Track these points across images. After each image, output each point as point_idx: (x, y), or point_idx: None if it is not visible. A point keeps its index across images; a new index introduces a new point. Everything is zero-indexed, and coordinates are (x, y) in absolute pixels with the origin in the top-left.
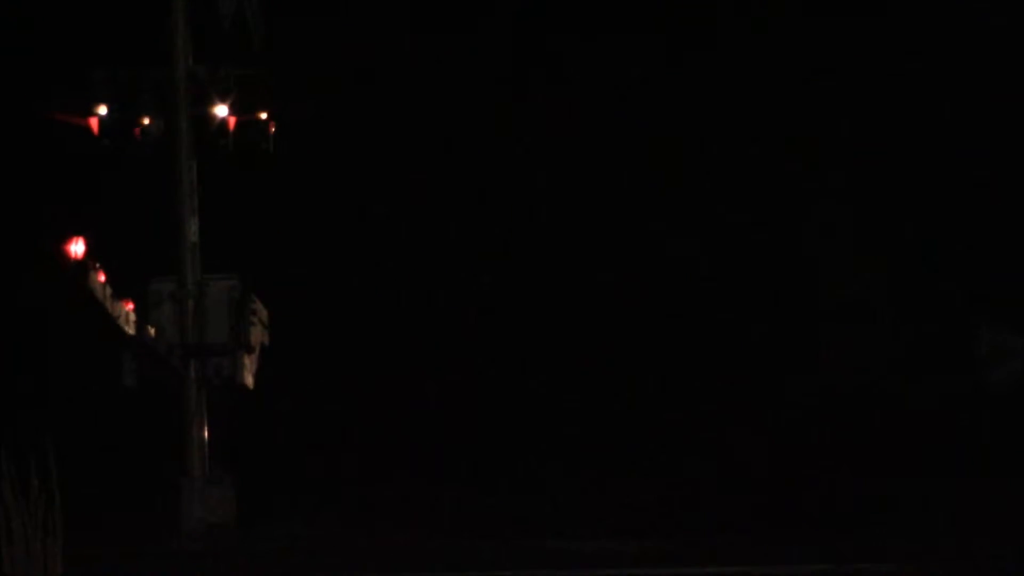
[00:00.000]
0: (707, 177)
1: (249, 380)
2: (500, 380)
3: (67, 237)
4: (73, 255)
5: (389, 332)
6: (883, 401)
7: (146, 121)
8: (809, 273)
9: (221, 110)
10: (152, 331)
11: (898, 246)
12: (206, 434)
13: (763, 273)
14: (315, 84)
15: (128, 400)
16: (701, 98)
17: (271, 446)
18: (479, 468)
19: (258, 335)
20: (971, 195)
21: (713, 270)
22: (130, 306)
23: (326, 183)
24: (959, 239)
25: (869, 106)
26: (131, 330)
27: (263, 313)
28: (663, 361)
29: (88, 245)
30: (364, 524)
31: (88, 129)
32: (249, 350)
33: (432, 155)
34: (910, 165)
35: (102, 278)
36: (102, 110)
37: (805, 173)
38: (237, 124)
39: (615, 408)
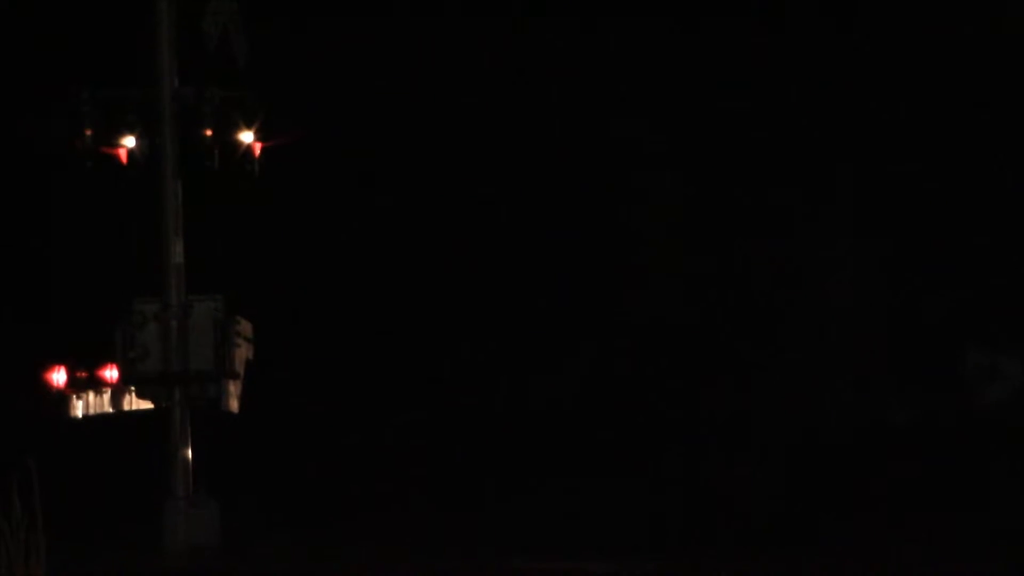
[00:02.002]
0: (699, 193)
1: (234, 405)
2: (484, 399)
3: (49, 366)
4: (55, 384)
5: (373, 352)
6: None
7: (131, 142)
8: (797, 293)
9: (206, 132)
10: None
11: (889, 263)
12: (190, 455)
13: (749, 292)
14: (300, 106)
15: (111, 420)
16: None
17: (256, 467)
18: (469, 489)
19: (243, 355)
20: (963, 213)
21: (696, 285)
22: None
23: (311, 204)
24: (950, 257)
25: (865, 127)
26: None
27: (247, 328)
28: (650, 380)
29: (69, 373)
30: (351, 545)
31: (72, 150)
32: (234, 376)
33: (418, 178)
34: (901, 183)
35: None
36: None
37: (797, 192)
38: (223, 146)
39: (599, 431)
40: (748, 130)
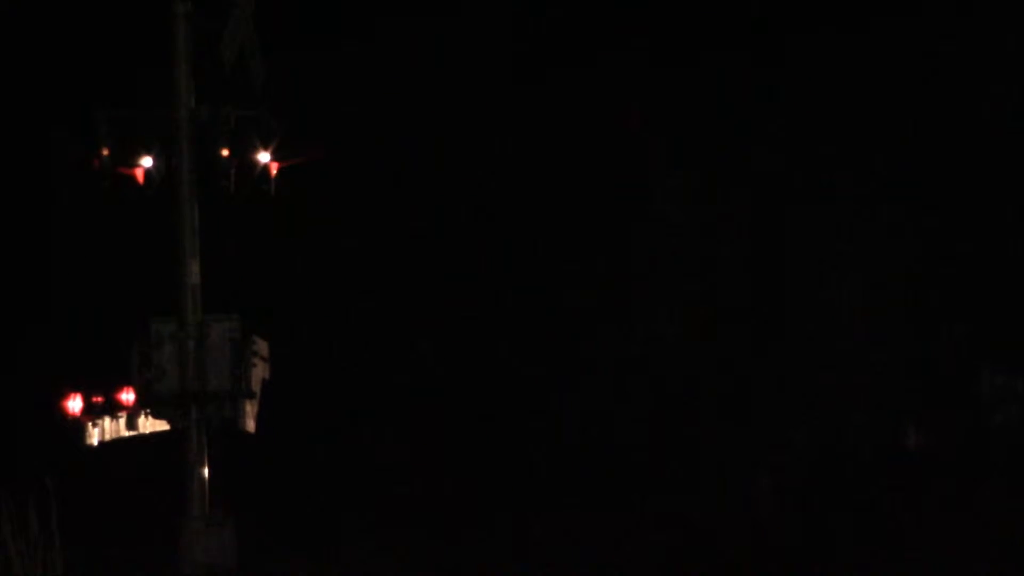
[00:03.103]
0: (715, 213)
1: (251, 425)
2: (501, 421)
3: (65, 393)
4: (71, 412)
5: (389, 372)
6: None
7: (148, 162)
8: (810, 314)
9: (223, 152)
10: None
11: (905, 286)
12: (207, 475)
13: (758, 313)
14: (315, 125)
15: (128, 442)
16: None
17: (273, 487)
18: (485, 510)
19: (259, 375)
20: (976, 235)
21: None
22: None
23: (326, 224)
24: (965, 281)
25: (887, 149)
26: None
27: (263, 348)
28: (666, 401)
29: (85, 400)
30: (368, 565)
31: (91, 170)
32: (250, 396)
33: (433, 200)
34: (920, 206)
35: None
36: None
37: (816, 214)
38: (239, 166)
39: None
40: (764, 147)
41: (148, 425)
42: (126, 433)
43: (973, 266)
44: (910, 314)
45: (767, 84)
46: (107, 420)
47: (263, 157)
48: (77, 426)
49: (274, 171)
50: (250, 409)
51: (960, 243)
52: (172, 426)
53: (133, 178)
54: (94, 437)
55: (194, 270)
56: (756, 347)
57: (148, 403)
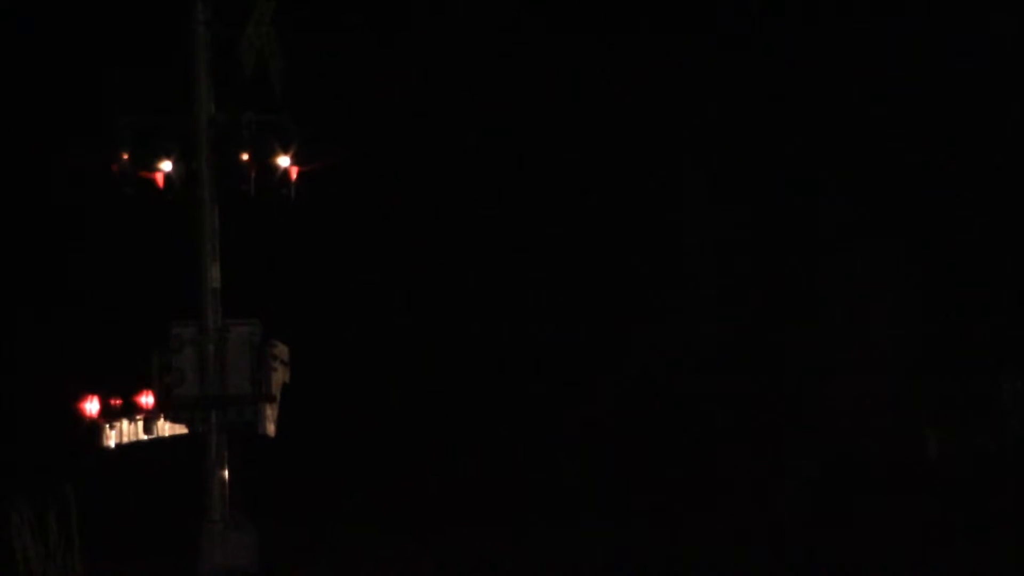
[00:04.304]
0: (738, 225)
1: (271, 429)
2: (521, 425)
3: (84, 394)
4: (88, 414)
5: (409, 374)
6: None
7: (168, 167)
8: (831, 324)
9: (243, 157)
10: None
11: (923, 294)
12: (227, 479)
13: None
14: (336, 129)
15: (147, 443)
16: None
17: (294, 491)
18: (508, 514)
19: (279, 379)
20: (998, 244)
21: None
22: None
23: (348, 227)
24: (985, 288)
25: (905, 163)
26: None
27: (283, 352)
28: (684, 407)
29: (103, 402)
30: (386, 571)
31: (109, 175)
32: (270, 399)
33: (454, 205)
34: (937, 214)
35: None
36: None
37: (836, 223)
38: (259, 170)
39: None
40: (786, 162)
41: (166, 429)
42: (144, 437)
43: (992, 272)
44: (928, 320)
45: (783, 87)
46: (125, 422)
47: (283, 161)
48: (94, 428)
49: (294, 175)
50: (270, 413)
51: (979, 249)
52: (191, 430)
53: (153, 183)
54: (111, 439)
55: (214, 274)
56: (773, 353)
57: (167, 407)
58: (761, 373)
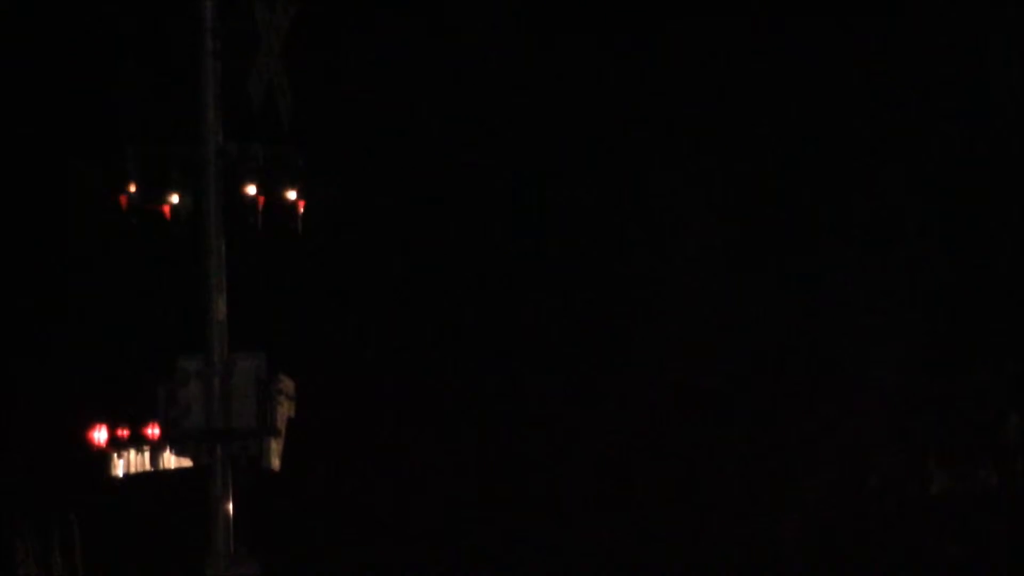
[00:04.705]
0: (740, 261)
1: (276, 463)
2: (528, 458)
3: (91, 423)
4: (96, 443)
5: (415, 409)
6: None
7: (175, 199)
8: (837, 361)
9: (251, 188)
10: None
11: (930, 330)
12: (232, 512)
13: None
14: (342, 162)
15: (152, 478)
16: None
17: (299, 526)
18: (512, 551)
19: (284, 413)
20: (1003, 279)
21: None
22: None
23: (353, 260)
24: (992, 326)
25: (905, 200)
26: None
27: (289, 386)
28: (688, 441)
29: (110, 432)
30: None
31: (117, 206)
32: (275, 434)
33: (461, 236)
34: (940, 253)
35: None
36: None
37: (841, 261)
38: (266, 202)
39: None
40: (788, 197)
41: (172, 461)
42: (150, 468)
43: (999, 309)
44: (935, 359)
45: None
46: (132, 452)
47: (290, 194)
48: (102, 457)
49: (301, 208)
50: (275, 447)
51: (986, 286)
52: (196, 463)
53: (161, 214)
54: (119, 468)
55: (221, 307)
56: (781, 388)
57: (173, 439)
58: (764, 406)
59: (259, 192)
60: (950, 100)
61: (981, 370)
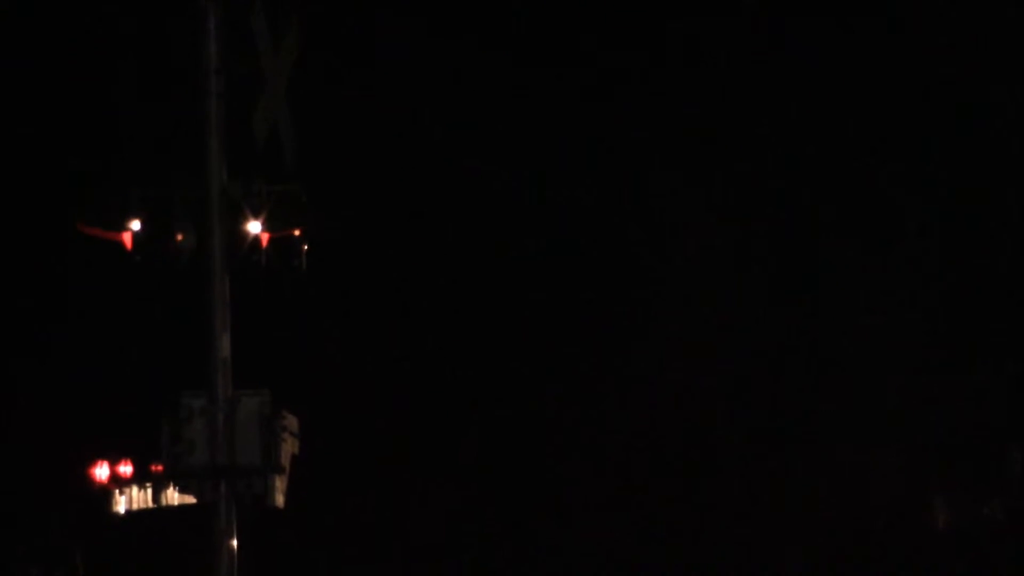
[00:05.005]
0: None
1: (280, 500)
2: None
3: (93, 461)
4: (98, 480)
5: (417, 444)
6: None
7: (179, 237)
8: (837, 390)
9: (254, 227)
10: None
11: (929, 332)
12: (236, 549)
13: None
14: (345, 200)
15: (156, 510)
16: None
17: (304, 562)
18: None
19: (288, 450)
20: (1008, 311)
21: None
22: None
23: (356, 298)
24: (994, 357)
25: (909, 222)
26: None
27: (293, 423)
28: (688, 463)
29: (112, 468)
30: None
31: (120, 244)
32: (279, 471)
33: (459, 273)
34: (943, 281)
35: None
36: (135, 225)
37: (833, 280)
38: (270, 241)
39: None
40: (789, 213)
41: (175, 497)
42: (152, 505)
43: (1003, 342)
44: (936, 361)
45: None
46: (135, 489)
47: (294, 233)
48: (104, 493)
49: (305, 247)
50: (279, 484)
51: (986, 286)
52: (200, 500)
53: (165, 253)
54: (121, 505)
55: (225, 345)
56: (783, 420)
57: (177, 476)
58: (768, 436)
59: (263, 230)
60: (950, 100)
61: (981, 371)
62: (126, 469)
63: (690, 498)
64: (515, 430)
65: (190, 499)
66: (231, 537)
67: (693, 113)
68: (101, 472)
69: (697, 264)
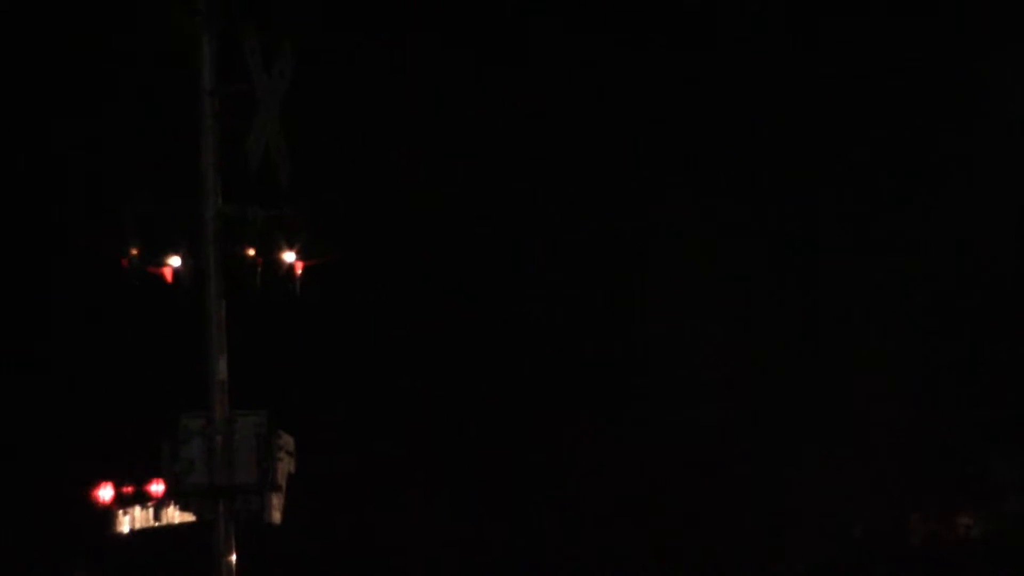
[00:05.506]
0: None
1: (277, 517)
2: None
3: (96, 483)
4: (101, 500)
5: (413, 463)
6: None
7: (176, 262)
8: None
9: (249, 251)
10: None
11: (917, 378)
12: (235, 566)
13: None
14: (339, 222)
15: (156, 529)
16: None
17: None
18: None
19: (284, 469)
20: (989, 326)
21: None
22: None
23: (351, 318)
24: (977, 372)
25: (902, 242)
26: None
27: (289, 442)
28: (678, 485)
29: (116, 489)
30: None
31: (119, 269)
32: (276, 489)
33: (456, 292)
34: (928, 299)
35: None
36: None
37: (824, 303)
38: (265, 264)
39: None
40: (785, 240)
41: (176, 516)
42: (154, 524)
43: (983, 355)
44: (920, 404)
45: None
46: (137, 509)
47: (289, 256)
48: (107, 514)
49: (299, 270)
50: (276, 502)
51: (972, 334)
52: (199, 518)
53: (162, 277)
54: (124, 525)
55: (222, 366)
56: (767, 434)
57: (177, 495)
58: (751, 456)
59: (259, 254)
60: (950, 100)
61: (967, 419)
62: (128, 490)
63: (672, 508)
64: (512, 450)
65: (191, 517)
66: (230, 553)
67: (693, 114)
68: (105, 493)
69: (697, 266)
